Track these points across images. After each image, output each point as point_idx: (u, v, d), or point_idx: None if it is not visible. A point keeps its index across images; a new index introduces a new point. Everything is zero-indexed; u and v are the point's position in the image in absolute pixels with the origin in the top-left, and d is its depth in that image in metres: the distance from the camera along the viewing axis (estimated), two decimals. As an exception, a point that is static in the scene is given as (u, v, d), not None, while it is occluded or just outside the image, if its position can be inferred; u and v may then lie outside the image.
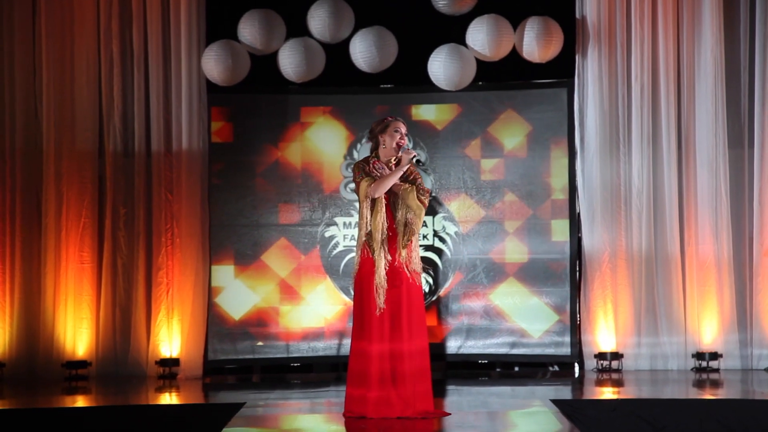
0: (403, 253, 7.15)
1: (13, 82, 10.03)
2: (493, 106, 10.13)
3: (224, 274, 10.13)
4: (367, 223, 7.13)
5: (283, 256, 10.13)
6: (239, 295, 10.12)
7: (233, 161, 10.17)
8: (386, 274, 7.07)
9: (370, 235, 7.13)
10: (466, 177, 10.14)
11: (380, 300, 7.05)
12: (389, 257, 7.10)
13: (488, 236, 10.11)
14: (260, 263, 10.13)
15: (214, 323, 10.06)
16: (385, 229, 7.13)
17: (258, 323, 10.11)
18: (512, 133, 10.12)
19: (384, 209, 7.15)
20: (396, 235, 7.16)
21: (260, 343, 10.08)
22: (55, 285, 9.98)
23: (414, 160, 7.19)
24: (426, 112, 10.22)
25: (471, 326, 10.08)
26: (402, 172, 7.17)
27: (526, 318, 10.03)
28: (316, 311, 10.11)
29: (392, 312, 7.08)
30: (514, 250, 10.09)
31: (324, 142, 10.22)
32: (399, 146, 7.24)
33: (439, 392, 8.68)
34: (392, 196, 7.20)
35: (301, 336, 10.10)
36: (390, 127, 7.26)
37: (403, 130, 7.29)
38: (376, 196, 7.13)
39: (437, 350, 9.93)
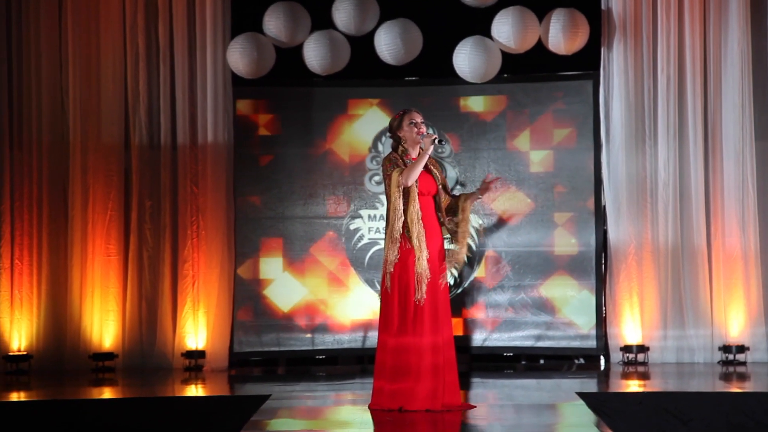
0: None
1: (40, 76, 10.06)
2: (539, 98, 10.08)
3: (273, 266, 10.15)
4: (400, 214, 7.08)
5: (329, 249, 10.18)
6: (288, 287, 10.14)
7: (283, 153, 10.18)
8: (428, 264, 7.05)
9: (406, 226, 7.07)
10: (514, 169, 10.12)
11: (421, 291, 7.01)
12: (426, 250, 7.06)
13: (514, 228, 10.09)
14: (309, 255, 10.16)
15: (261, 315, 10.09)
16: (420, 218, 7.09)
17: (306, 315, 10.13)
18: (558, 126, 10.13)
19: (417, 199, 7.11)
20: (432, 228, 7.13)
21: (308, 335, 10.09)
22: (82, 277, 10.02)
23: (435, 141, 7.12)
24: (474, 104, 10.21)
25: (496, 319, 10.07)
26: (428, 155, 7.09)
27: (572, 311, 10.01)
28: (360, 302, 10.12)
29: (429, 304, 7.06)
30: (538, 242, 10.06)
31: (364, 133, 10.25)
32: (419, 134, 7.16)
33: (465, 385, 8.67)
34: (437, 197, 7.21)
35: (350, 328, 10.13)
36: (404, 121, 7.17)
37: (419, 119, 7.16)
38: (409, 184, 7.05)
39: (462, 343, 9.94)
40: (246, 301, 10.15)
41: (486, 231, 10.11)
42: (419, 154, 7.10)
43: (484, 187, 7.27)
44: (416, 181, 7.07)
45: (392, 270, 7.06)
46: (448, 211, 7.27)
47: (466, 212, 7.28)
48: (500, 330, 10.06)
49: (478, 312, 10.09)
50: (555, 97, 10.12)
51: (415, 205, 7.05)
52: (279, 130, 10.22)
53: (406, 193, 7.06)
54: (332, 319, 10.12)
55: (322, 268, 10.15)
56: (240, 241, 10.13)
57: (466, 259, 7.53)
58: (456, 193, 7.37)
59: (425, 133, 7.13)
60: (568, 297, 10.01)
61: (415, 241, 7.04)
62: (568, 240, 10.05)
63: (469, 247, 10.07)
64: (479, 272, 10.09)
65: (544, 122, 10.11)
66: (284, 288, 10.16)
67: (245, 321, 10.11)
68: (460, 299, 10.07)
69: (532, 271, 10.05)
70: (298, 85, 10.20)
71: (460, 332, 10.03)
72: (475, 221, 10.10)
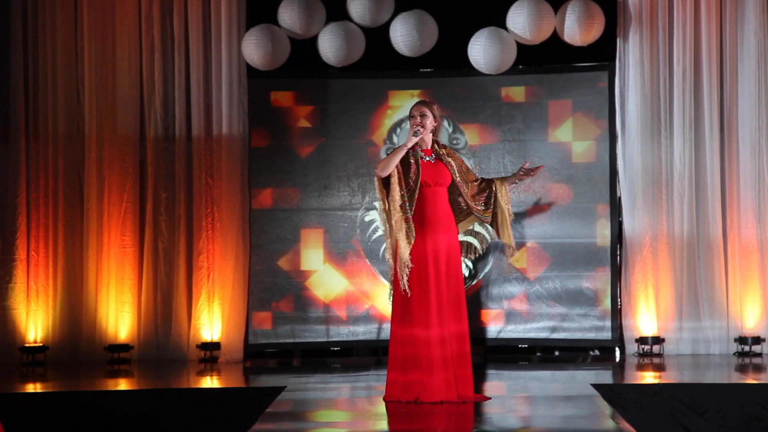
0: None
1: (55, 68, 10.08)
2: (554, 89, 10.06)
3: (314, 258, 10.16)
4: (381, 205, 7.15)
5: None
6: (329, 278, 10.16)
7: (324, 145, 10.19)
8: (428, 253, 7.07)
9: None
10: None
11: (404, 282, 7.02)
12: (411, 240, 7.07)
13: (528, 220, 10.07)
14: (351, 248, 10.17)
15: (302, 306, 10.11)
16: (400, 208, 7.06)
17: (348, 306, 10.14)
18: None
19: (398, 189, 7.09)
20: (438, 220, 7.13)
21: (352, 328, 10.11)
22: (97, 269, 10.05)
23: (413, 132, 7.15)
24: (516, 94, 10.21)
25: (511, 310, 10.06)
26: (405, 149, 7.12)
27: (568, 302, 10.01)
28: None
29: (435, 296, 7.06)
30: (553, 234, 10.05)
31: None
32: (414, 129, 7.18)
33: (480, 376, 8.68)
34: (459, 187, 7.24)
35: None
36: (409, 113, 7.28)
37: (417, 112, 7.20)
38: (382, 175, 7.09)
39: (477, 335, 9.94)
40: (287, 292, 10.15)
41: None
42: (419, 149, 7.16)
43: (524, 173, 7.28)
44: (415, 173, 7.09)
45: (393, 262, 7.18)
46: (479, 197, 7.28)
47: (500, 200, 7.27)
48: (515, 322, 10.05)
49: (491, 304, 10.08)
50: (571, 89, 10.09)
51: (395, 195, 7.07)
52: (319, 122, 10.21)
53: (387, 183, 7.09)
54: (375, 309, 10.10)
55: (364, 261, 10.14)
56: (279, 233, 10.13)
57: (511, 250, 7.46)
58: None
59: (415, 126, 7.19)
60: (584, 288, 9.99)
61: (395, 231, 7.05)
62: (584, 231, 10.02)
63: (484, 238, 10.07)
64: (494, 264, 10.07)
65: (559, 113, 10.08)
66: (325, 279, 10.18)
67: (287, 312, 10.11)
68: (476, 290, 10.07)
69: (549, 263, 10.04)
70: (313, 77, 10.19)
71: (474, 324, 10.02)
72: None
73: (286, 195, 10.20)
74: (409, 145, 7.12)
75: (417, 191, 7.10)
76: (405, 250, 7.02)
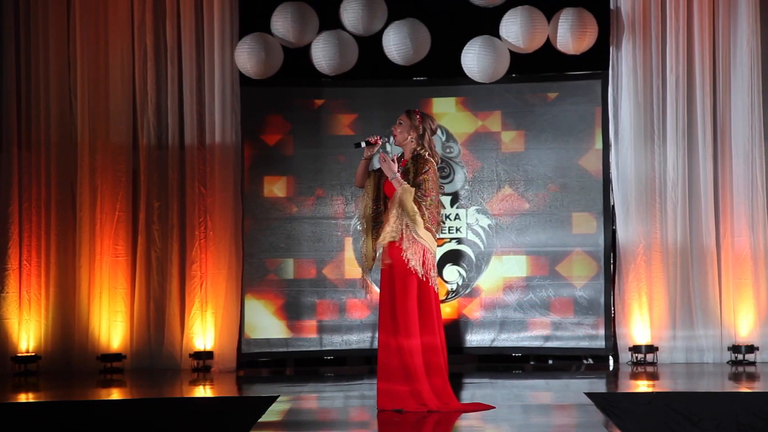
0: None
1: (48, 77, 10.07)
2: (548, 98, 10.07)
3: (307, 266, 10.16)
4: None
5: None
6: (322, 287, 10.15)
7: (318, 154, 10.19)
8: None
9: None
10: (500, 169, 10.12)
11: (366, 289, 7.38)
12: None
13: (522, 228, 10.08)
14: (342, 255, 10.20)
15: (296, 315, 10.11)
16: (371, 218, 7.25)
17: (341, 315, 10.14)
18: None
19: (368, 198, 7.27)
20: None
21: (345, 337, 10.10)
22: (90, 278, 10.03)
23: (364, 142, 7.23)
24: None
25: (505, 319, 10.05)
26: (362, 159, 7.23)
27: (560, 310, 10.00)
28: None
29: (416, 306, 7.08)
30: (546, 243, 10.05)
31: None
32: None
33: (473, 385, 8.67)
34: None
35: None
36: None
37: (398, 120, 7.23)
38: (357, 185, 7.35)
39: (471, 343, 9.94)
40: (280, 300, 10.14)
41: (494, 231, 10.09)
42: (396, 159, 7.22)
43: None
44: (377, 183, 7.24)
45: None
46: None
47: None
48: (509, 330, 10.04)
49: (485, 313, 10.07)
50: (564, 97, 10.09)
51: (362, 204, 7.29)
52: (313, 131, 10.21)
53: (365, 194, 7.28)
54: (368, 318, 10.05)
55: (357, 269, 10.10)
56: (272, 242, 10.14)
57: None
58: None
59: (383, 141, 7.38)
60: (577, 297, 9.99)
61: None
62: (577, 239, 10.03)
63: (476, 247, 10.06)
64: (487, 272, 10.07)
65: (553, 122, 10.08)
66: (318, 288, 10.17)
67: (280, 321, 10.10)
68: (467, 299, 10.06)
69: (542, 272, 10.04)
70: (306, 85, 10.19)
71: (467, 333, 10.02)
72: (483, 221, 10.08)
73: (278, 204, 10.19)
74: (366, 155, 7.23)
75: (381, 204, 7.26)
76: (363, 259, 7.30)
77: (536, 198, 10.09)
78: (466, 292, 10.07)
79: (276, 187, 10.18)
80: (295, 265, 10.18)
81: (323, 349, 10.14)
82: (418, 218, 7.02)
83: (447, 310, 9.97)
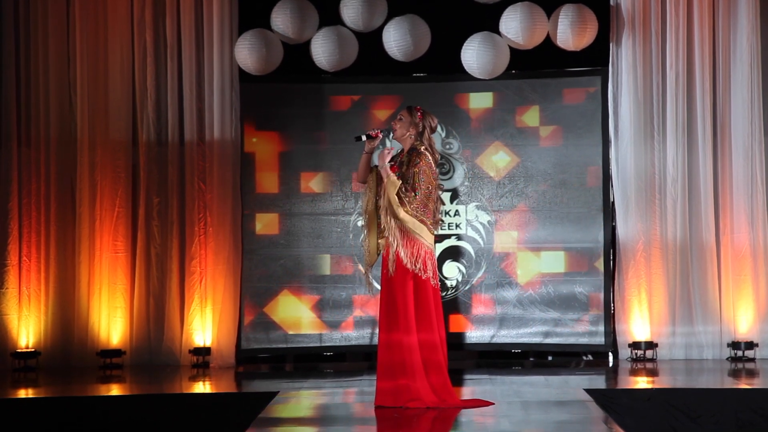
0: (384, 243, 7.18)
1: (47, 73, 10.06)
2: (548, 94, 10.05)
3: (307, 262, 10.17)
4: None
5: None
6: (322, 283, 10.18)
7: (317, 150, 10.20)
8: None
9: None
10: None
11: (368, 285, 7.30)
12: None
13: (521, 225, 10.08)
14: (341, 252, 10.20)
15: (295, 311, 10.10)
16: (369, 211, 7.19)
17: (341, 311, 10.15)
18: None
19: (370, 193, 7.22)
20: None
21: (345, 333, 10.10)
22: (90, 274, 10.02)
23: (366, 136, 7.22)
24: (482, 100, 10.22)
25: (504, 315, 10.05)
26: (364, 154, 7.22)
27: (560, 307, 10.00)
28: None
29: (413, 302, 7.06)
30: (546, 239, 10.05)
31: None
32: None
33: (472, 382, 8.67)
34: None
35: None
36: None
37: (398, 117, 7.24)
38: (358, 180, 7.33)
39: (470, 340, 9.94)
40: (280, 296, 10.17)
41: (494, 228, 10.09)
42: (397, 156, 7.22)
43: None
44: (379, 178, 7.16)
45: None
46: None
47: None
48: (508, 327, 10.04)
49: (485, 309, 10.07)
50: (563, 94, 10.09)
51: (363, 202, 7.25)
52: (312, 126, 10.21)
53: (368, 189, 7.26)
54: (368, 314, 10.06)
55: (357, 265, 10.11)
56: (272, 238, 10.14)
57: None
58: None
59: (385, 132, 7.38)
60: (577, 293, 9.99)
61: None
62: (577, 236, 10.02)
63: (476, 243, 10.06)
64: (487, 269, 10.07)
65: (552, 118, 10.08)
66: (318, 284, 10.19)
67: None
68: (467, 296, 10.06)
69: (542, 268, 10.04)
70: (306, 81, 10.19)
71: (467, 329, 10.02)
72: (482, 217, 10.08)
73: (278, 200, 10.19)
74: (367, 149, 7.21)
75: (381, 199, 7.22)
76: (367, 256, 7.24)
77: (535, 194, 10.08)
78: (466, 288, 10.07)
79: (274, 183, 10.17)
80: (295, 261, 10.17)
81: (323, 345, 10.14)
82: (401, 211, 6.99)
83: (447, 307, 9.97)
